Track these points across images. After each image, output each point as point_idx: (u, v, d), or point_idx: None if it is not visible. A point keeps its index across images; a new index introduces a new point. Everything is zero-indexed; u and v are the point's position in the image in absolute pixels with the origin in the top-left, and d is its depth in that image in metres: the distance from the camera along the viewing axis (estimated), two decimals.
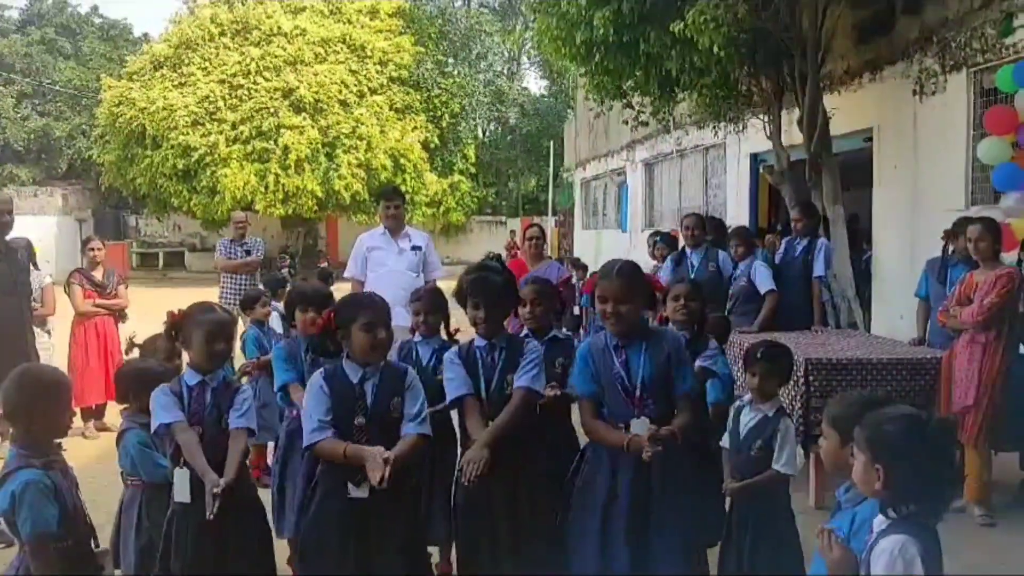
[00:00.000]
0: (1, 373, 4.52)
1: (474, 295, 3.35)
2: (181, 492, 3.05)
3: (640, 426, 3.04)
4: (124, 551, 3.45)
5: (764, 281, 6.61)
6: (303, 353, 3.90)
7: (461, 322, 3.90)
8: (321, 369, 3.19)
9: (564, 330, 4.35)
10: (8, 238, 5.23)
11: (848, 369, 5.15)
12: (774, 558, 3.37)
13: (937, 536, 2.14)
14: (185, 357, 3.46)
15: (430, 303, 4.06)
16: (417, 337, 4.07)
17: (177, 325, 3.26)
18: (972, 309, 5.01)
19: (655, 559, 3.01)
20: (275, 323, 6.45)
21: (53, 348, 7.16)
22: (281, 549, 3.72)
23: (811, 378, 5.11)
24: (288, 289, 4.56)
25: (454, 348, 3.52)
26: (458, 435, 3.62)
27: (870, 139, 9.03)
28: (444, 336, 4.12)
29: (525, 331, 3.77)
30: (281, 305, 7.18)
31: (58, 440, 2.76)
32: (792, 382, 5.16)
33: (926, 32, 7.88)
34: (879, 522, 2.16)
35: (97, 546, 2.73)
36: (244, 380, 5.08)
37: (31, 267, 5.77)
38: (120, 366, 3.93)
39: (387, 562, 3.00)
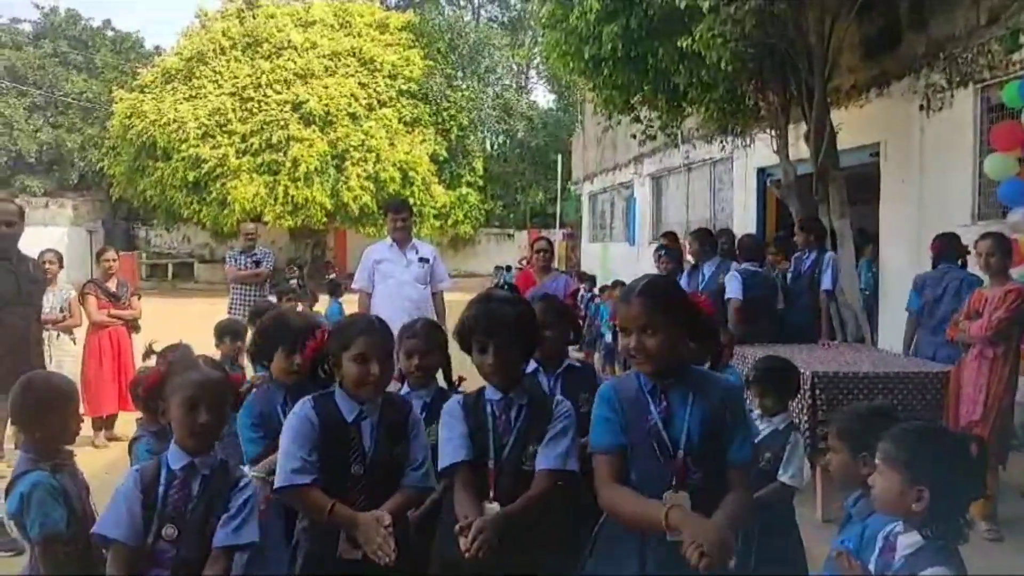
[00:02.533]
0: (6, 381, 4.60)
1: (480, 334, 2.57)
2: None
3: (679, 503, 2.26)
4: None
5: (730, 289, 6.66)
6: (280, 407, 3.10)
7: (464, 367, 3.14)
8: (309, 397, 2.64)
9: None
10: (33, 250, 5.28)
11: (854, 383, 5.15)
12: (779, 570, 3.37)
13: (959, 555, 2.10)
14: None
15: (427, 340, 3.23)
16: (404, 388, 3.27)
17: (155, 390, 2.58)
18: (981, 323, 5.03)
19: None
20: None
21: (78, 355, 7.33)
22: None
23: (818, 391, 5.12)
24: (265, 318, 3.64)
25: (457, 397, 2.74)
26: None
27: (877, 154, 9.06)
28: (444, 384, 3.38)
29: (532, 365, 3.02)
30: None
31: (69, 447, 2.80)
32: (799, 395, 5.20)
33: (933, 48, 7.92)
34: (908, 543, 2.08)
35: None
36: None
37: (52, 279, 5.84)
38: (135, 375, 3.94)
39: None
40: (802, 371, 5.28)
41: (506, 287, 3.05)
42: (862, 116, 9.11)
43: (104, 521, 2.35)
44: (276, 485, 2.52)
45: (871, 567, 2.22)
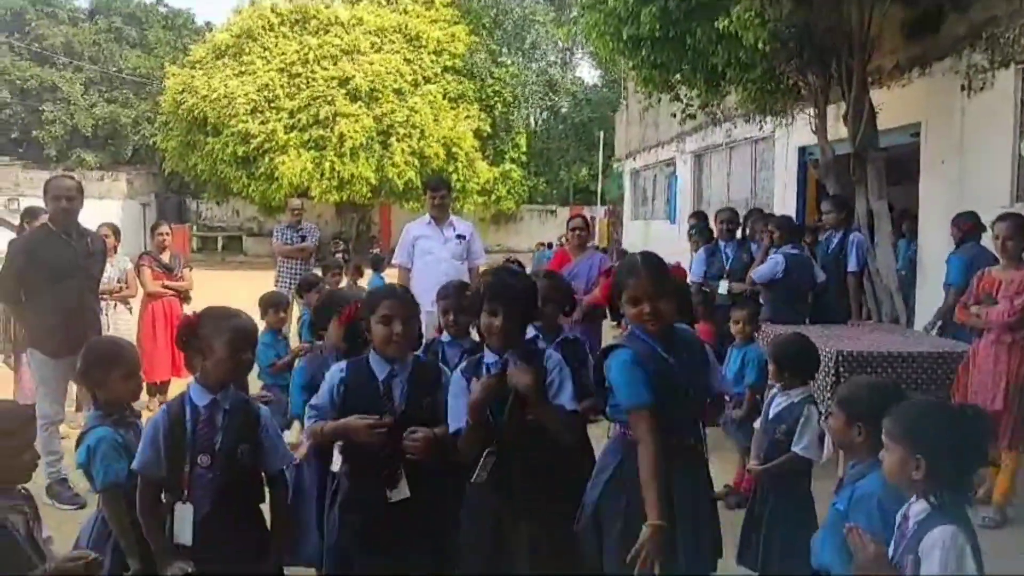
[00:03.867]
0: (64, 348, 4.92)
1: (491, 300, 2.90)
2: (182, 532, 2.66)
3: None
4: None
5: (760, 271, 6.73)
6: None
7: None
8: (345, 362, 3.05)
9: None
10: (90, 222, 5.55)
11: (878, 361, 5.25)
12: (789, 536, 3.53)
13: (969, 518, 2.26)
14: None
15: (459, 300, 3.69)
16: (445, 336, 3.76)
17: (192, 331, 2.76)
18: (1002, 309, 4.91)
19: None
20: None
21: (133, 324, 7.67)
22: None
23: (841, 369, 5.24)
24: (323, 294, 4.05)
25: (462, 366, 3.04)
26: None
27: (917, 134, 9.02)
28: (476, 337, 3.65)
29: (532, 332, 3.24)
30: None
31: (132, 404, 3.09)
32: (823, 373, 5.33)
33: (974, 29, 7.86)
34: (919, 510, 2.25)
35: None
36: (298, 362, 5.36)
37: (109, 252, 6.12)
38: None
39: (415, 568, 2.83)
40: (827, 350, 5.41)
41: (517, 264, 3.64)
42: (903, 96, 9.06)
43: (138, 459, 2.72)
44: (305, 435, 3.00)
45: (892, 543, 2.34)
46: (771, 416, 3.85)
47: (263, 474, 2.83)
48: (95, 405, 3.01)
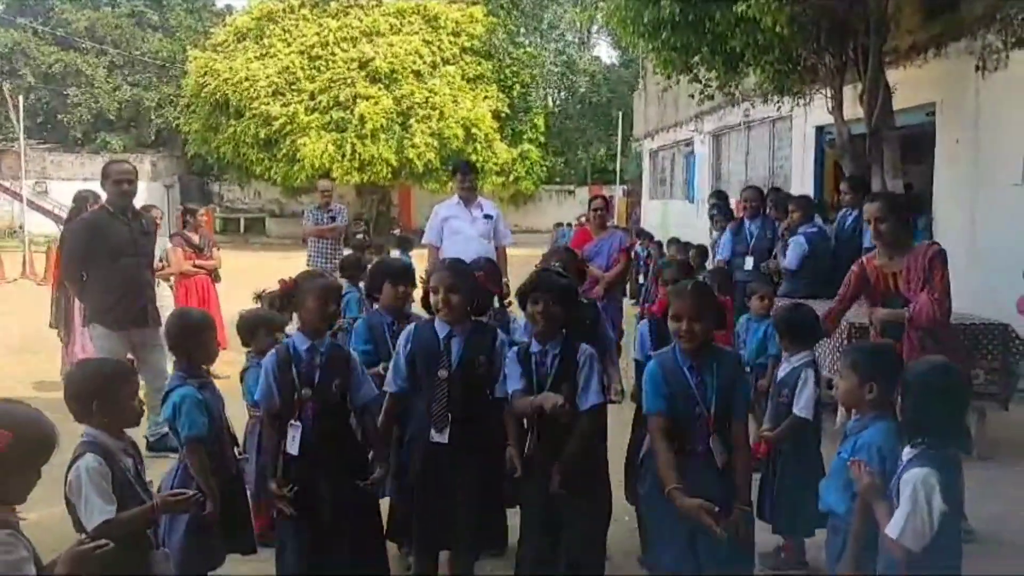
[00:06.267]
0: (124, 320, 5.28)
1: (535, 291, 3.33)
2: (292, 445, 3.26)
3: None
4: (248, 469, 4.09)
5: (791, 256, 6.99)
6: (387, 326, 4.03)
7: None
8: (414, 324, 3.56)
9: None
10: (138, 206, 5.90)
11: None
12: (796, 490, 3.81)
13: (959, 462, 2.57)
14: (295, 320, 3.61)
15: (491, 273, 4.10)
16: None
17: (289, 292, 3.41)
18: (925, 309, 4.09)
19: None
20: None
21: (172, 300, 8.03)
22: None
23: (853, 340, 5.50)
24: (375, 263, 4.65)
25: (516, 348, 3.45)
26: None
27: (933, 113, 9.18)
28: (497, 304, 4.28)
29: None
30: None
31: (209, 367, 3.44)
32: (836, 342, 5.63)
33: (989, 9, 8.02)
34: (907, 453, 2.59)
35: (241, 454, 3.37)
36: (340, 334, 5.69)
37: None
38: (242, 315, 4.47)
39: (465, 505, 3.25)
40: (840, 321, 5.68)
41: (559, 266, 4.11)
42: (919, 76, 9.22)
43: (259, 393, 3.34)
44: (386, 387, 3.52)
45: (892, 483, 2.65)
46: (777, 381, 4.16)
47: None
48: (179, 367, 3.35)
